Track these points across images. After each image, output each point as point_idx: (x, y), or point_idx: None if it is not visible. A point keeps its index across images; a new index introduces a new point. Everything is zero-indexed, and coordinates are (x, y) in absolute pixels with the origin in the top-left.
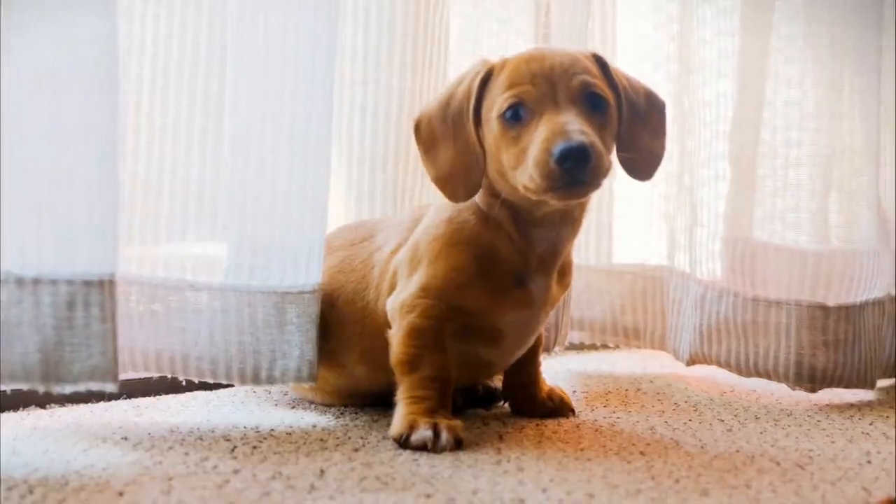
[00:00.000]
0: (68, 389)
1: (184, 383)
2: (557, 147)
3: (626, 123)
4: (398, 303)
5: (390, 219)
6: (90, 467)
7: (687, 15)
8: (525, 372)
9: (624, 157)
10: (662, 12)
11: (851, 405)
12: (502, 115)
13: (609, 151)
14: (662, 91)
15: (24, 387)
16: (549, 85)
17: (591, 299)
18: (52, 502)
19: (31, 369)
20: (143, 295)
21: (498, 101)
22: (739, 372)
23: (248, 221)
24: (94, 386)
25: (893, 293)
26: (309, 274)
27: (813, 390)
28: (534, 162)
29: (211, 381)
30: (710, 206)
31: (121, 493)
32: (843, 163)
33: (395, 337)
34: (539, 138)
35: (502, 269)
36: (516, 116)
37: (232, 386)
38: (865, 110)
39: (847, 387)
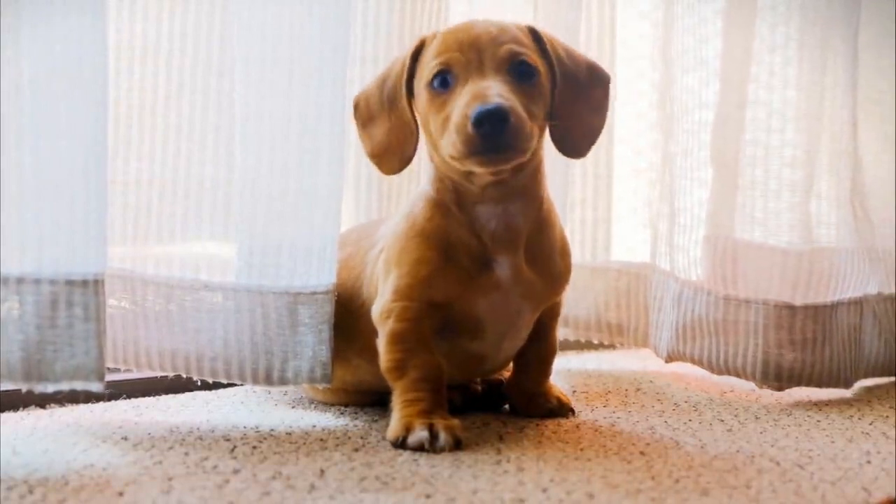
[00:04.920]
0: (51, 388)
1: (184, 379)
2: (474, 111)
3: (560, 95)
4: (378, 310)
5: (389, 218)
6: (90, 467)
7: (670, 15)
8: (529, 373)
9: (556, 132)
10: (659, 11)
11: (851, 405)
12: (430, 83)
13: (537, 120)
14: (658, 90)
15: (7, 385)
16: (475, 52)
17: (576, 296)
18: (52, 502)
19: (13, 367)
20: (159, 295)
21: (426, 69)
22: (711, 370)
23: (260, 220)
24: (79, 385)
25: (887, 292)
26: (321, 274)
27: (780, 389)
28: (454, 127)
29: (225, 381)
30: (690, 203)
31: (121, 493)
32: (821, 162)
33: (380, 345)
34: (460, 103)
35: (461, 254)
36: (444, 83)
37: (233, 385)
38: (843, 110)
39: (818, 386)
